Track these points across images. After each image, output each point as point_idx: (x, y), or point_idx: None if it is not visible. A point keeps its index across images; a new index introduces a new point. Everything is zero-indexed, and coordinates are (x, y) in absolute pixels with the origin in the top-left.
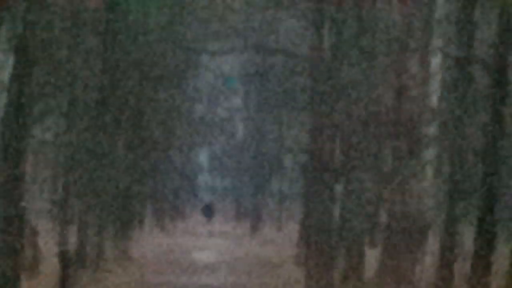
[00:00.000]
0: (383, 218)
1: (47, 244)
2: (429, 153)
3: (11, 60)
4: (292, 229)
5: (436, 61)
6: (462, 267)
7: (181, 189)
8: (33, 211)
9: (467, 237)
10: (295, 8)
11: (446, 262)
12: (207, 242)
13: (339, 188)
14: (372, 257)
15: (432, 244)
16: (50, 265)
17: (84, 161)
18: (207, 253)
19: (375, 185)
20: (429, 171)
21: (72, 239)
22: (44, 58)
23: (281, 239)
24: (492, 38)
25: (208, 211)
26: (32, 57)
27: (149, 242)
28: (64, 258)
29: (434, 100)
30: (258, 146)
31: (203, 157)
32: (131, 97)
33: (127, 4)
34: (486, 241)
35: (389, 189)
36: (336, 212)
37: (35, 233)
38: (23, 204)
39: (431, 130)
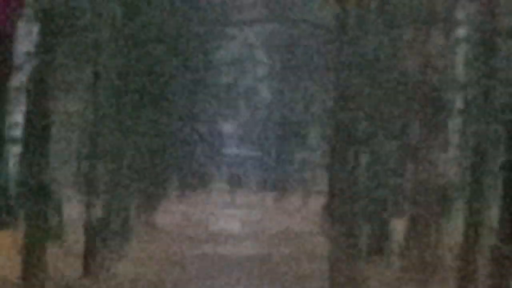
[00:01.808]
0: (408, 188)
1: (73, 214)
2: (454, 124)
3: (36, 31)
4: (317, 199)
5: (461, 32)
6: (487, 239)
7: (206, 159)
8: (58, 182)
9: (493, 208)
10: None
11: (471, 233)
12: (232, 212)
13: (364, 158)
14: (397, 228)
15: (458, 215)
16: (76, 235)
17: (109, 132)
18: (232, 223)
19: (400, 155)
20: (454, 142)
21: (98, 209)
22: (69, 29)
23: (306, 209)
24: None
25: (234, 181)
26: (57, 28)
27: (174, 212)
28: (89, 228)
29: (459, 71)
30: (283, 116)
31: (228, 127)
32: (156, 68)
33: None
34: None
35: (414, 159)
36: (361, 183)
37: (60, 203)
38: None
39: (456, 101)
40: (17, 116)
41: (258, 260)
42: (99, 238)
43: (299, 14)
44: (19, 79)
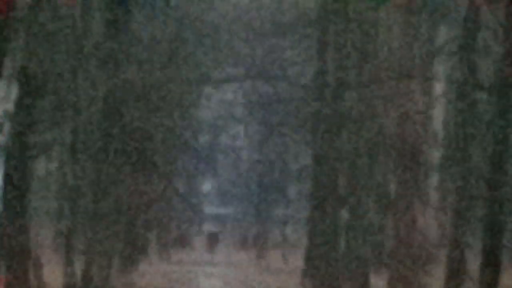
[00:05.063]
0: (389, 245)
1: (53, 275)
2: (433, 180)
3: (15, 90)
4: (298, 257)
5: (439, 87)
6: None
7: (186, 217)
8: (38, 243)
9: (473, 263)
10: (298, 36)
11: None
12: (212, 270)
13: (344, 215)
14: (378, 285)
15: (438, 270)
16: None
17: (88, 192)
18: (213, 281)
19: (380, 212)
20: (434, 198)
21: (78, 270)
22: (47, 88)
23: (286, 267)
24: (495, 63)
25: (213, 239)
26: (35, 87)
27: (154, 271)
28: None
29: (437, 126)
30: (262, 174)
31: (207, 185)
32: (134, 127)
33: (130, 32)
34: (492, 267)
35: (394, 216)
36: (341, 239)
37: (40, 264)
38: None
39: (435, 156)
40: None
41: None
42: None
43: (278, 72)
44: None
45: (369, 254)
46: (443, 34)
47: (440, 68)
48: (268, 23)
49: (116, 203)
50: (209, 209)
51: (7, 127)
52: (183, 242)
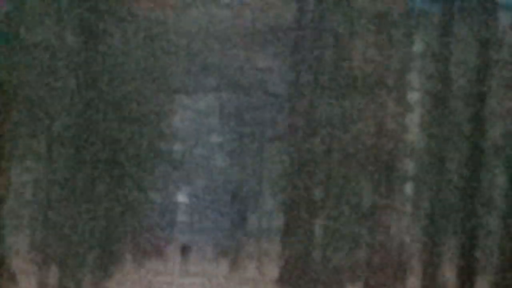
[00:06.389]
0: (363, 254)
1: (27, 285)
2: (408, 189)
3: None
4: (272, 266)
5: (414, 96)
6: None
7: (160, 227)
8: (12, 253)
9: (448, 272)
10: (272, 45)
11: None
12: (187, 281)
13: (318, 224)
14: None
15: (413, 280)
16: None
17: (63, 201)
18: None
19: (354, 221)
20: (408, 207)
21: (52, 280)
22: (22, 99)
23: (261, 277)
24: (470, 72)
25: (185, 250)
26: (10, 98)
27: (129, 280)
28: None
29: (412, 135)
30: (236, 184)
31: (182, 195)
32: (109, 137)
33: (105, 43)
34: (467, 276)
35: (369, 225)
36: (317, 249)
37: (13, 274)
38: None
39: (410, 166)
40: None
41: None
42: None
43: (252, 82)
44: None
45: (344, 263)
46: (418, 43)
47: (415, 77)
48: (242, 33)
49: (91, 213)
50: (184, 219)
51: None
52: (157, 252)
